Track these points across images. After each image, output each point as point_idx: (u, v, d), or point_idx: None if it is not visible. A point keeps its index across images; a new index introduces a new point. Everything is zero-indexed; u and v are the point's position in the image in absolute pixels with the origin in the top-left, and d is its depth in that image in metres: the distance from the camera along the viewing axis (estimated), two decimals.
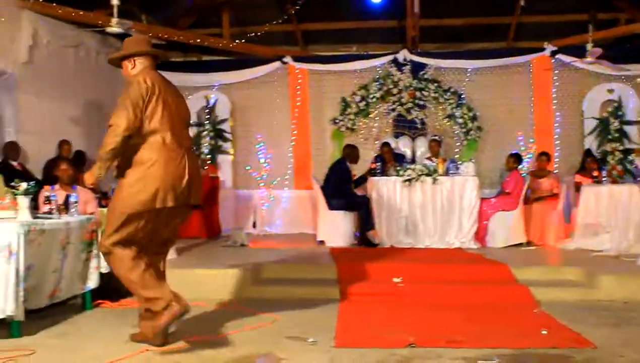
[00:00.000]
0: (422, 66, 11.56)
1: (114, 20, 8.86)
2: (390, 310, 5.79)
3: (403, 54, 11.55)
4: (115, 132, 4.36)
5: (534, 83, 11.53)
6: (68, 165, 7.29)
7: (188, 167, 4.53)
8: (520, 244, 9.14)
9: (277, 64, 11.85)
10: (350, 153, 9.77)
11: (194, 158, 4.76)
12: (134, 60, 4.67)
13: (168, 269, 6.38)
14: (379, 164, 9.60)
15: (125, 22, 9.09)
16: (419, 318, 5.45)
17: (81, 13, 9.50)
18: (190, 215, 4.55)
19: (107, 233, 4.51)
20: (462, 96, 11.46)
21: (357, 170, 11.35)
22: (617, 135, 11.00)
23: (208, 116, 11.70)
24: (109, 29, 9.06)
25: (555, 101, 11.50)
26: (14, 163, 8.48)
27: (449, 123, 11.49)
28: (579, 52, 10.49)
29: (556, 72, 11.46)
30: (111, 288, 6.17)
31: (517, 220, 9.21)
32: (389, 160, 10.14)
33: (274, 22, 11.55)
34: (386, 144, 10.73)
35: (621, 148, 10.88)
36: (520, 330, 5.05)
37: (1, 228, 4.78)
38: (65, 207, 5.81)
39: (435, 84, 11.47)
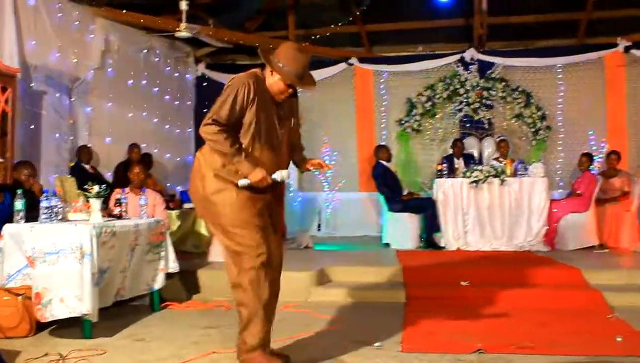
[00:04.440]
0: (490, 65, 11.36)
1: (183, 25, 9.05)
2: (458, 314, 5.69)
3: (470, 53, 11.38)
4: None
5: (606, 80, 11.18)
6: (141, 168, 7.45)
7: None
8: (592, 247, 8.89)
9: (342, 65, 11.84)
10: (378, 153, 9.94)
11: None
12: None
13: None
14: (445, 165, 9.49)
15: (193, 26, 9.27)
16: (487, 323, 5.34)
17: (151, 19, 9.70)
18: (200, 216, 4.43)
19: None
20: (530, 95, 11.20)
21: (424, 171, 11.35)
22: None
23: None
24: (177, 34, 9.25)
25: (628, 98, 11.12)
26: (87, 166, 8.73)
27: (517, 123, 11.26)
28: None
29: (630, 68, 11.09)
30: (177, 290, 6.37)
31: (589, 222, 8.97)
32: (459, 156, 10.40)
33: (339, 24, 11.55)
34: (459, 140, 10.82)
35: None
36: (593, 337, 4.90)
37: (74, 230, 4.91)
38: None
39: (503, 83, 11.25)
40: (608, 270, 7.13)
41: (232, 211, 3.95)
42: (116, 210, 5.75)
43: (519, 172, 9.07)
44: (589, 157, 9.64)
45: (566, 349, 4.50)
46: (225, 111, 3.87)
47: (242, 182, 3.90)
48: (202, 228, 8.48)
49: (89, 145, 8.92)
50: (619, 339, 4.74)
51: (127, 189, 6.88)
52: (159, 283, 6.02)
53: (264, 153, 4.00)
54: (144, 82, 10.43)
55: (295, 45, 4.10)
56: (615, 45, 11.04)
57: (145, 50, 10.42)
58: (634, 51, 10.95)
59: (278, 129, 4.10)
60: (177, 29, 9.17)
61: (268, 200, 4.10)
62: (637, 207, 9.23)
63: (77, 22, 8.78)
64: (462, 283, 6.56)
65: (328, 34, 11.77)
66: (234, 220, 3.94)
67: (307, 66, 4.04)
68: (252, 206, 3.98)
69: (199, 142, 12.13)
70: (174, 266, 6.17)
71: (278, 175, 3.99)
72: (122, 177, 8.41)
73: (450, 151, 10.78)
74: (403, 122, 11.53)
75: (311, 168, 4.45)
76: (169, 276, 6.19)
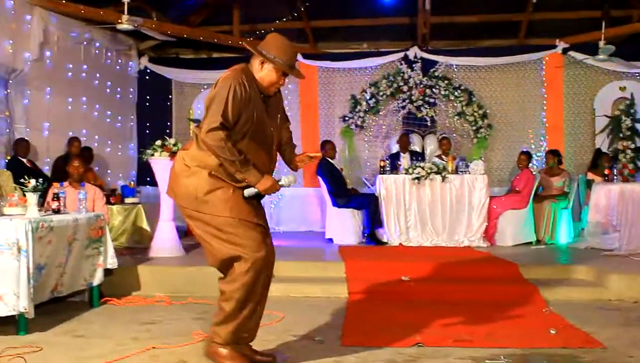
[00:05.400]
0: (433, 63, 11.51)
1: (125, 17, 8.88)
2: (398, 308, 5.77)
3: (414, 51, 11.50)
4: None
5: (545, 80, 11.48)
6: (80, 162, 7.31)
7: None
8: (529, 243, 9.10)
9: None
10: (323, 148, 9.95)
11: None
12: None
13: (178, 267, 6.41)
14: (387, 161, 9.59)
15: (136, 19, 9.10)
16: (427, 317, 5.41)
17: (92, 10, 9.49)
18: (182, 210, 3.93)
19: None
20: (472, 94, 11.40)
21: (368, 167, 11.43)
22: (628, 133, 10.92)
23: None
24: (119, 26, 9.08)
25: (566, 99, 11.43)
26: (24, 160, 8.50)
27: (459, 121, 11.44)
28: (591, 49, 10.57)
29: (567, 69, 11.40)
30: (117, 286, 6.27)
31: (527, 218, 9.16)
32: (405, 150, 10.61)
33: (284, 19, 11.54)
34: (405, 134, 10.97)
35: (633, 146, 10.75)
36: (529, 330, 5.03)
37: (9, 225, 4.79)
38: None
39: (446, 82, 11.41)
40: (544, 265, 7.33)
41: (228, 209, 3.71)
42: (54, 205, 5.62)
43: (460, 169, 9.22)
44: (527, 156, 9.85)
45: (502, 342, 4.62)
46: (229, 112, 3.61)
47: (249, 191, 3.74)
48: (144, 224, 8.38)
49: (26, 138, 8.69)
50: (552, 332, 4.89)
51: (65, 183, 6.74)
52: (97, 279, 5.92)
53: (258, 153, 3.80)
54: (84, 74, 10.21)
55: (281, 36, 3.89)
56: (554, 46, 11.33)
57: (86, 42, 10.20)
58: (571, 53, 11.25)
59: (269, 127, 3.89)
60: (119, 21, 9.00)
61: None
62: (572, 204, 9.50)
63: (13, 12, 8.54)
64: (403, 278, 6.65)
65: (273, 29, 11.73)
66: (231, 218, 3.71)
67: (296, 55, 3.92)
68: (248, 203, 3.80)
69: (141, 135, 11.98)
70: (112, 262, 6.08)
71: (285, 181, 3.85)
72: (61, 171, 8.23)
73: (395, 147, 10.90)
74: (347, 118, 11.60)
75: (300, 164, 4.20)
76: (108, 272, 6.10)
